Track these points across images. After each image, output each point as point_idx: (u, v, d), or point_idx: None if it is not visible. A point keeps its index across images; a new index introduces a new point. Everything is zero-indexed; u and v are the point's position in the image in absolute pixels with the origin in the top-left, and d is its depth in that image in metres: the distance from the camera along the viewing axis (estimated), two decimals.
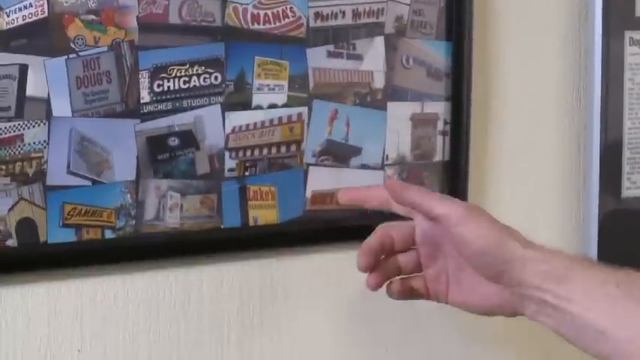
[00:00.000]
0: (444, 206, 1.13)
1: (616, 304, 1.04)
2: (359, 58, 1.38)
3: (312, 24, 1.36)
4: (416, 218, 1.18)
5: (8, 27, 1.20)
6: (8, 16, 1.19)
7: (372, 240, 1.19)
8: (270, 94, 1.35)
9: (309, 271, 1.44)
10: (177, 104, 1.31)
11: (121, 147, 1.29)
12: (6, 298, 1.26)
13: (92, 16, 1.24)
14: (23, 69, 1.21)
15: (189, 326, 1.36)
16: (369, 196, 1.25)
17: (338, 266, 1.44)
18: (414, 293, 1.21)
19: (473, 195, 1.48)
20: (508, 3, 1.49)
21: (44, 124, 1.23)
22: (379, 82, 1.39)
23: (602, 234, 1.56)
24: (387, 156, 1.42)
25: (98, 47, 1.25)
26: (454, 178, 1.46)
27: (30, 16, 1.21)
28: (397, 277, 1.21)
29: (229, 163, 1.35)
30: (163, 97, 1.30)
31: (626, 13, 1.51)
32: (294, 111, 1.37)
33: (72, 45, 1.24)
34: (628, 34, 1.51)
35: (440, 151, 1.44)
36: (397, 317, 1.47)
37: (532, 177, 1.58)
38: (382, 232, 1.20)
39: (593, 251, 1.56)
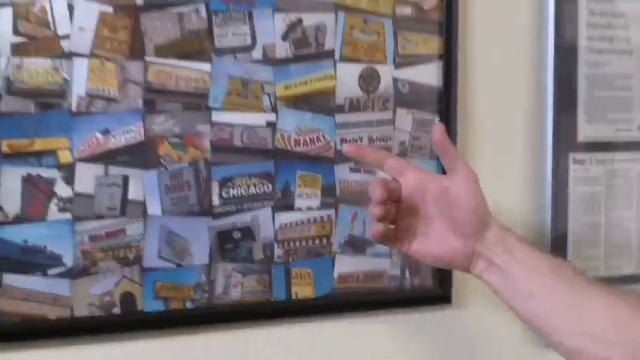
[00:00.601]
0: (466, 164, 1.30)
1: (545, 278, 1.24)
2: (373, 172, 1.55)
3: (338, 147, 1.53)
4: (403, 179, 1.32)
5: (115, 147, 1.40)
6: (114, 138, 1.40)
7: (386, 182, 1.31)
8: (307, 199, 1.53)
9: (337, 333, 1.59)
10: (240, 207, 1.50)
11: (198, 238, 1.47)
12: (111, 352, 1.43)
13: (177, 139, 1.43)
14: (126, 179, 1.42)
15: None
16: (370, 155, 1.37)
17: (361, 331, 1.59)
18: (387, 238, 1.32)
19: None
20: (483, 134, 1.65)
21: (141, 221, 1.43)
22: None
23: None
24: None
25: (181, 163, 1.44)
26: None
27: (131, 138, 1.41)
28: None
29: (277, 251, 1.53)
30: (229, 201, 1.48)
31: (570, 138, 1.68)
32: (325, 212, 1.54)
33: (162, 161, 1.42)
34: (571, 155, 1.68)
35: None
36: None
37: None
38: (387, 181, 1.32)
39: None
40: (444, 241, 1.32)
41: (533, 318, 1.26)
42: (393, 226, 1.32)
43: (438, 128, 1.30)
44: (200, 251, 1.51)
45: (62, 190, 1.41)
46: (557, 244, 1.73)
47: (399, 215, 1.33)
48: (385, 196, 1.29)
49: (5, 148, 1.37)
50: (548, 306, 1.24)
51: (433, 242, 1.33)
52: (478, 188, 1.29)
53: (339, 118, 1.57)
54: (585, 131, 1.75)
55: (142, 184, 1.46)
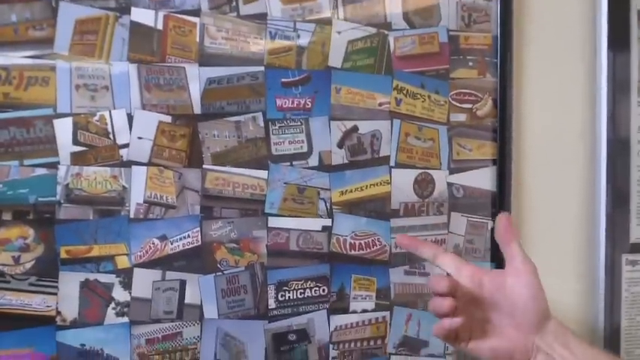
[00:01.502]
0: (524, 256, 1.10)
1: None
2: (427, 274, 1.31)
3: (393, 250, 1.29)
4: (458, 274, 1.11)
5: (172, 252, 1.18)
6: (172, 244, 1.18)
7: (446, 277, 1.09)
8: (362, 302, 1.28)
9: None
10: (295, 309, 1.25)
11: (254, 341, 1.23)
12: None
13: (233, 244, 1.21)
14: (183, 283, 1.19)
15: None
16: (425, 247, 1.15)
17: None
18: (450, 335, 1.10)
19: None
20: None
21: (198, 324, 1.19)
22: None
23: None
24: (447, 347, 1.33)
25: (237, 267, 1.22)
26: None
27: (188, 244, 1.19)
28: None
29: (332, 352, 1.27)
30: (285, 304, 1.24)
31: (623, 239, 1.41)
32: (380, 314, 1.29)
33: (218, 265, 1.21)
34: (624, 257, 1.41)
35: None
36: None
37: None
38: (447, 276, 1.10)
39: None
40: (503, 335, 1.10)
41: None
42: (458, 319, 1.08)
43: (503, 217, 1.13)
44: (256, 353, 1.25)
45: (119, 294, 1.18)
46: (611, 346, 1.44)
47: (457, 311, 1.08)
48: (448, 290, 1.07)
49: (64, 254, 1.15)
50: None
51: (492, 337, 1.11)
52: (536, 281, 1.10)
53: (394, 222, 1.31)
54: (638, 233, 1.44)
55: (199, 288, 1.22)
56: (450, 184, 1.34)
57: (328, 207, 1.27)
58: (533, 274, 1.10)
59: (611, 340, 1.43)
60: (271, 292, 1.25)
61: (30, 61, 1.12)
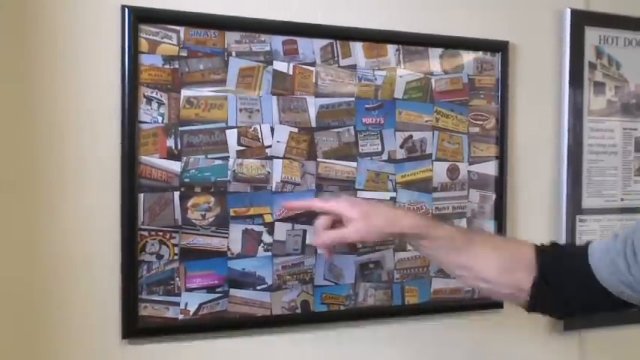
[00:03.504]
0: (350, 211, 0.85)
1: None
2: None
3: (434, 213, 1.09)
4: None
5: (298, 213, 1.01)
6: None
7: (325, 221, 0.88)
8: None
9: (433, 327, 1.11)
10: (373, 249, 1.06)
11: (348, 267, 1.04)
12: (294, 337, 1.02)
13: None
14: (304, 232, 1.00)
15: None
16: (303, 207, 0.96)
17: (448, 325, 1.12)
18: None
19: None
20: None
21: (313, 256, 1.02)
22: None
23: None
24: None
25: None
26: None
27: None
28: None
29: (396, 275, 1.07)
30: (366, 245, 1.05)
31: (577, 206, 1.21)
32: (425, 262, 1.07)
33: None
34: (578, 217, 1.21)
35: None
36: None
37: None
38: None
39: None
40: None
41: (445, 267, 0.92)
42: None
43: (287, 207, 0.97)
44: (349, 275, 1.07)
45: (266, 238, 1.01)
46: None
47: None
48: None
49: (232, 213, 0.98)
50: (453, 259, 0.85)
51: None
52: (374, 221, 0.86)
53: (435, 195, 1.12)
54: (587, 201, 1.23)
55: (314, 235, 1.00)
56: (469, 172, 1.14)
57: (394, 185, 1.09)
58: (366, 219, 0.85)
59: None
60: None
61: (211, 94, 0.97)
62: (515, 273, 0.80)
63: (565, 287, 0.78)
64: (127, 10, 0.90)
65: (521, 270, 0.80)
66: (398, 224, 0.85)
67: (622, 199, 1.23)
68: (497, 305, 1.14)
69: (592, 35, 1.19)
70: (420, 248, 0.88)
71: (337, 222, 0.89)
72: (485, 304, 1.13)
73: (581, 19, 1.18)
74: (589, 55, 1.19)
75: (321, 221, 0.90)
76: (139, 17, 0.90)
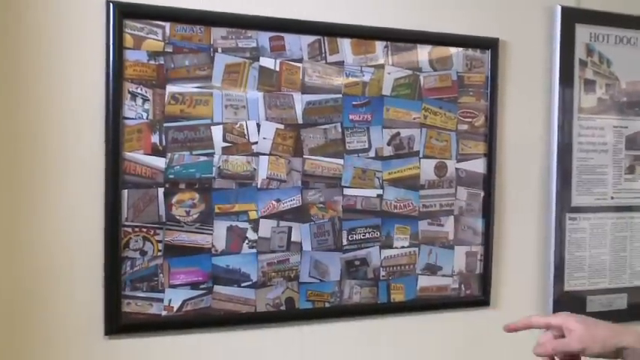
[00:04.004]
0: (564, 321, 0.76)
1: None
2: (442, 225, 1.10)
3: (420, 210, 1.08)
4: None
5: (283, 209, 0.99)
6: (283, 204, 0.98)
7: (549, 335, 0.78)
8: (401, 241, 1.07)
9: (418, 324, 1.11)
10: (359, 246, 1.05)
11: (333, 265, 1.03)
12: (278, 334, 1.01)
13: (322, 205, 1.01)
14: (289, 229, 1.00)
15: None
16: (534, 322, 0.77)
17: (433, 323, 1.11)
18: None
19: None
20: None
21: (299, 253, 1.02)
22: (451, 237, 1.10)
23: None
24: (454, 270, 1.12)
25: (324, 219, 1.03)
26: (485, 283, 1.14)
27: (293, 204, 1.00)
28: None
29: (382, 272, 1.06)
30: (353, 243, 1.05)
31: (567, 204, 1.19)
32: (412, 249, 1.08)
33: (312, 218, 1.00)
34: (567, 215, 1.18)
35: (478, 268, 1.12)
36: None
37: None
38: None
39: None
40: None
41: None
42: None
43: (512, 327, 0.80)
44: (334, 272, 1.06)
45: (251, 235, 1.00)
46: (558, 271, 1.21)
47: None
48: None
49: (217, 210, 0.98)
50: None
51: None
52: (594, 332, 0.75)
53: (422, 192, 1.11)
54: (577, 199, 1.22)
55: (300, 232, 1.03)
56: (457, 169, 1.13)
57: (380, 182, 1.07)
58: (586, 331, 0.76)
59: (558, 267, 1.20)
60: (344, 234, 1.06)
61: (197, 90, 0.96)
62: None
63: None
64: (111, 5, 0.89)
65: None
66: (621, 337, 0.80)
67: (612, 198, 1.21)
68: (483, 303, 1.13)
69: (583, 33, 1.17)
70: None
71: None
72: (471, 301, 1.13)
73: (572, 17, 1.16)
74: (579, 52, 1.17)
75: (548, 334, 0.79)
76: (124, 12, 0.89)
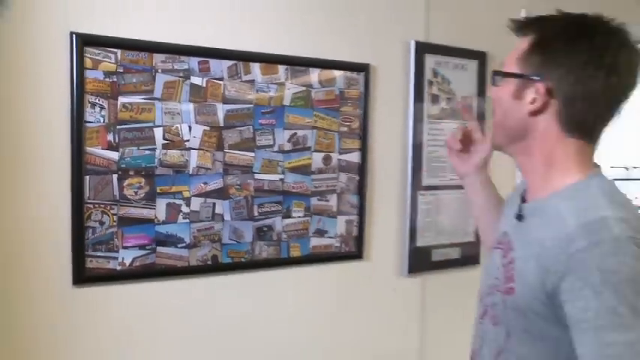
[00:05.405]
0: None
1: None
2: (328, 201, 1.39)
3: (312, 190, 1.36)
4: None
5: (209, 189, 1.20)
6: (209, 186, 1.20)
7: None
8: (298, 213, 1.35)
9: (311, 273, 1.39)
10: (267, 216, 1.30)
11: (248, 230, 1.29)
12: (208, 282, 1.25)
13: (238, 186, 1.22)
14: (214, 204, 1.20)
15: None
16: (472, 122, 1.00)
17: (322, 272, 1.40)
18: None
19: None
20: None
21: (221, 222, 1.26)
22: (335, 209, 1.39)
23: None
24: (337, 233, 1.40)
25: (240, 197, 1.24)
26: (359, 242, 1.44)
27: (217, 186, 1.20)
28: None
29: (284, 235, 1.34)
30: (262, 214, 1.29)
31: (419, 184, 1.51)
32: (306, 219, 1.36)
33: (231, 196, 1.22)
34: (419, 192, 1.52)
35: (354, 231, 1.43)
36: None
37: None
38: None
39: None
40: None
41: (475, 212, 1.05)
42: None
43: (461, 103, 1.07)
44: (248, 236, 1.33)
45: (184, 209, 1.24)
46: (412, 232, 1.55)
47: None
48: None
49: (158, 190, 1.22)
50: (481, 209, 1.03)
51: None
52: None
53: (313, 177, 1.39)
54: (426, 180, 1.56)
55: (222, 206, 1.28)
56: (339, 160, 1.43)
57: (282, 170, 1.35)
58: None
59: (412, 230, 1.53)
60: (255, 208, 1.32)
61: (142, 101, 1.19)
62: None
63: None
64: (74, 35, 1.11)
65: None
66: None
67: (451, 179, 1.59)
68: (358, 257, 1.47)
69: (430, 60, 1.53)
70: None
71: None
72: (349, 255, 1.46)
73: (423, 49, 1.51)
74: (428, 74, 1.52)
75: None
76: (85, 41, 1.12)
